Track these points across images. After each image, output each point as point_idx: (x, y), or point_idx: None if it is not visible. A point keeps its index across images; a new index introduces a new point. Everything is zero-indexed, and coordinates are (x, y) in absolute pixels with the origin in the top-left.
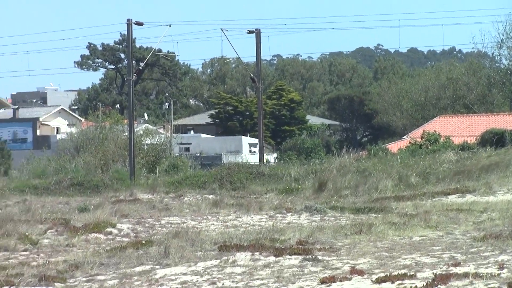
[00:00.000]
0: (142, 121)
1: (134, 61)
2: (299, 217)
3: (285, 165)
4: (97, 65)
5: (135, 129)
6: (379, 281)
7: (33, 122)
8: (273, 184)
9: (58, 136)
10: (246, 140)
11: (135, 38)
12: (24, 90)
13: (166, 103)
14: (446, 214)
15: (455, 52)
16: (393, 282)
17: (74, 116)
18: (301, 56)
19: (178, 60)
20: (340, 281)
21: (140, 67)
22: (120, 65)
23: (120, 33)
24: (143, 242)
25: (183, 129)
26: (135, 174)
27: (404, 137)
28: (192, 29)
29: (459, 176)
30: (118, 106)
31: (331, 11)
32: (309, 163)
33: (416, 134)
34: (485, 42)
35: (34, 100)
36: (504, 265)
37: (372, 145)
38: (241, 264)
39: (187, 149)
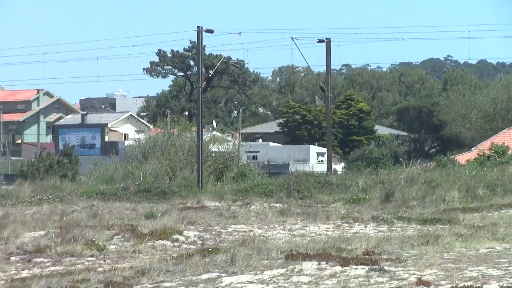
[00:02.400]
0: (210, 128)
1: (203, 69)
2: (366, 227)
3: (353, 175)
4: (166, 72)
5: (203, 137)
6: None
7: (102, 128)
8: (340, 194)
9: (126, 143)
10: (314, 149)
11: (205, 45)
12: (93, 95)
13: (235, 111)
14: None
15: None
16: None
17: (142, 122)
18: (370, 66)
19: (247, 68)
20: None
21: (209, 75)
22: (189, 72)
23: (190, 40)
24: (210, 249)
25: (251, 137)
26: (203, 182)
27: (473, 148)
28: (262, 37)
29: None
30: (186, 113)
31: (402, 21)
32: (376, 173)
33: (485, 146)
34: None
35: (103, 106)
36: None
37: (440, 156)
38: (307, 273)
39: (255, 157)
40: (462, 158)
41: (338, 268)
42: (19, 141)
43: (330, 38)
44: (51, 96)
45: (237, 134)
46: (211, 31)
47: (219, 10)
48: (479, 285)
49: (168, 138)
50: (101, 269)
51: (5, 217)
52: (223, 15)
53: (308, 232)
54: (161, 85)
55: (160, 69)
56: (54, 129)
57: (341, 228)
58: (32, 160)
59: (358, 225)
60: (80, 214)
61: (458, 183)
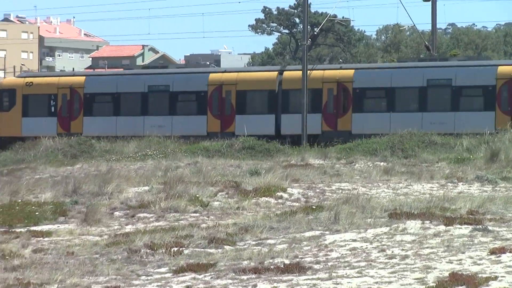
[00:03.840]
0: None
1: (308, 26)
2: (470, 187)
3: (457, 135)
4: (271, 29)
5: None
6: None
7: None
8: (444, 153)
9: None
10: None
11: (310, 3)
12: (198, 52)
13: None
14: None
15: None
16: None
17: None
18: (476, 25)
19: (352, 26)
20: (510, 252)
21: (314, 32)
22: (295, 29)
23: None
24: (313, 207)
25: None
26: (307, 139)
27: None
28: None
29: None
30: None
31: None
32: (481, 133)
33: None
34: None
35: (208, 63)
36: None
37: None
38: (411, 232)
39: None
40: None
41: (441, 228)
42: None
43: None
44: (156, 52)
45: None
46: None
47: None
48: None
49: None
50: (204, 225)
51: (109, 172)
52: None
53: (412, 191)
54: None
55: (265, 26)
56: None
57: (445, 187)
58: None
59: (462, 184)
60: (184, 170)
61: None
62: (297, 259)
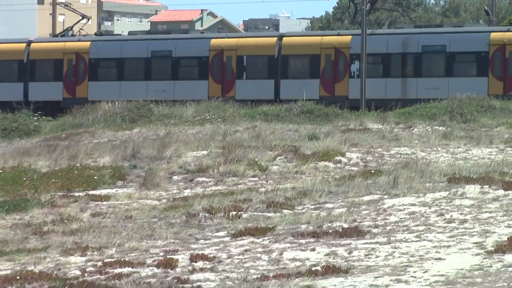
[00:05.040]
0: None
1: None
2: None
3: None
4: None
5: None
6: None
7: None
8: (503, 118)
9: None
10: None
11: None
12: (256, 16)
13: None
14: None
15: None
16: None
17: None
18: None
19: None
20: None
21: None
22: None
23: None
24: (372, 171)
25: None
26: (365, 104)
27: None
28: None
29: None
30: None
31: None
32: None
33: None
34: None
35: (266, 27)
36: None
37: None
38: (470, 197)
39: None
40: None
41: (500, 192)
42: None
43: None
44: (214, 16)
45: None
46: None
47: None
48: None
49: None
50: (263, 189)
51: (167, 137)
52: None
53: (471, 156)
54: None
55: None
56: None
57: (504, 152)
58: None
59: None
60: (243, 135)
61: None
62: (356, 223)
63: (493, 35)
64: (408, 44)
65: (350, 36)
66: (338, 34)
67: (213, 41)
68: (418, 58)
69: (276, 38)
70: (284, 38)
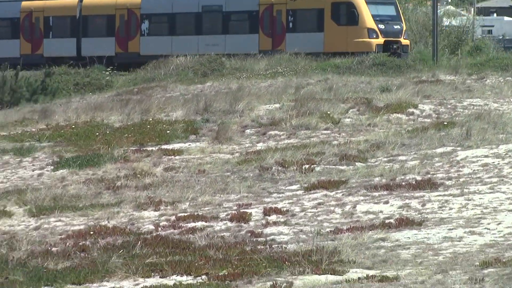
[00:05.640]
0: (444, 2)
1: None
2: None
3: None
4: None
5: (437, 10)
6: None
7: None
8: None
9: None
10: None
11: None
12: None
13: None
14: None
15: None
16: None
17: None
18: None
19: None
20: None
21: None
22: None
23: None
24: (445, 123)
25: (486, 11)
26: (437, 55)
27: None
28: None
29: None
30: None
31: None
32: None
33: None
34: None
35: None
36: None
37: None
38: None
39: (489, 32)
40: None
41: None
42: None
43: None
44: None
45: (472, 8)
46: None
47: None
48: None
49: (403, 12)
50: (335, 142)
51: (239, 90)
52: None
53: None
54: None
55: None
56: None
57: None
58: None
59: None
60: (315, 87)
61: None
62: (429, 176)
63: None
64: (190, 5)
65: None
66: None
67: None
68: (199, 17)
69: (77, 0)
70: (84, 0)
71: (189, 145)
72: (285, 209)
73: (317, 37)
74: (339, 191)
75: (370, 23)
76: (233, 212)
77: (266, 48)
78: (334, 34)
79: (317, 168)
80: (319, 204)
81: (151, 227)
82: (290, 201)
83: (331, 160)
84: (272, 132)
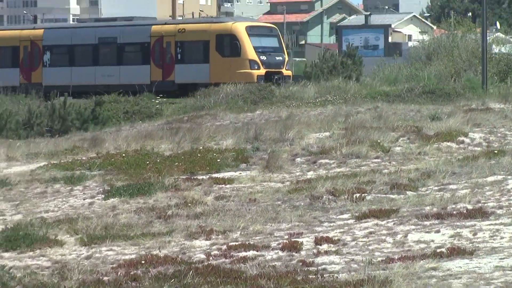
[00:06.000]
0: (494, 29)
1: None
2: None
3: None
4: None
5: (487, 38)
6: None
7: (385, 29)
8: None
9: (410, 44)
10: None
11: None
12: None
13: None
14: None
15: None
16: None
17: (426, 23)
18: None
19: None
20: None
21: None
22: None
23: None
24: (495, 152)
25: None
26: (487, 83)
27: None
28: None
29: None
30: (470, 14)
31: None
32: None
33: None
34: None
35: (386, 7)
36: None
37: None
38: None
39: None
40: None
41: None
42: (303, 42)
43: None
44: None
45: None
46: None
47: None
48: None
49: (452, 40)
50: (386, 170)
51: (289, 118)
52: None
53: None
54: None
55: None
56: (337, 30)
57: None
58: (316, 61)
59: None
60: (365, 116)
61: None
62: (480, 204)
63: (154, 27)
64: (88, 36)
65: (43, 30)
66: (34, 28)
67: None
68: (96, 49)
69: None
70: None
71: (240, 173)
72: (336, 238)
73: (203, 68)
74: (390, 220)
75: (251, 54)
76: (284, 241)
77: (157, 78)
78: (219, 65)
79: (368, 197)
80: (370, 233)
81: (203, 256)
82: (341, 230)
83: (382, 189)
84: (323, 161)
